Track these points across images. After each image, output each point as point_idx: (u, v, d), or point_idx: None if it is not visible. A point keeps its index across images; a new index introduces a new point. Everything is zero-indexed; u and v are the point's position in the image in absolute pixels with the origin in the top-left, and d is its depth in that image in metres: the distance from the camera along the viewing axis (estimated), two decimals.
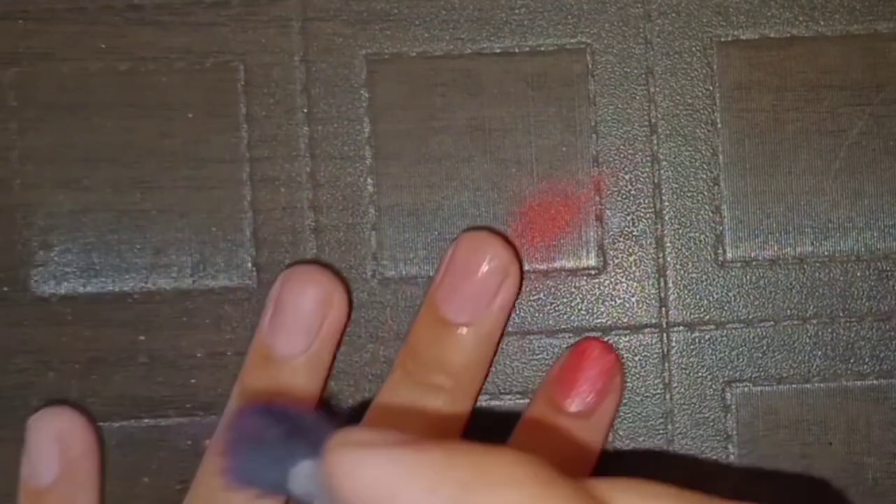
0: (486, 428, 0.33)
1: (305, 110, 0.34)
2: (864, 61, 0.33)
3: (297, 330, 0.31)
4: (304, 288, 0.32)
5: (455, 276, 0.31)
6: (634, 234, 0.34)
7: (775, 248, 0.34)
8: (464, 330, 0.31)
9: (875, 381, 0.33)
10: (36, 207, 0.34)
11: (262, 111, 0.34)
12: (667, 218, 0.34)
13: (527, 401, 0.33)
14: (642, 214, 0.34)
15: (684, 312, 0.34)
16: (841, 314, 0.33)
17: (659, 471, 0.34)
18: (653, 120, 0.34)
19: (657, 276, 0.34)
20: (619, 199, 0.34)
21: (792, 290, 0.33)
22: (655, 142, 0.34)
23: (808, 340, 0.34)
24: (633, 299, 0.34)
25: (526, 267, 0.33)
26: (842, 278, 0.34)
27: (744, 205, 0.33)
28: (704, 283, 0.34)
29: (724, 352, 0.34)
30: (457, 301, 0.31)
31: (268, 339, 0.32)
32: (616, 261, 0.34)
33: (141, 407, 0.34)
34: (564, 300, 0.34)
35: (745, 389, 0.34)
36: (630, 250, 0.34)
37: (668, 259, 0.34)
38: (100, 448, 0.33)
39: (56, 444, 0.32)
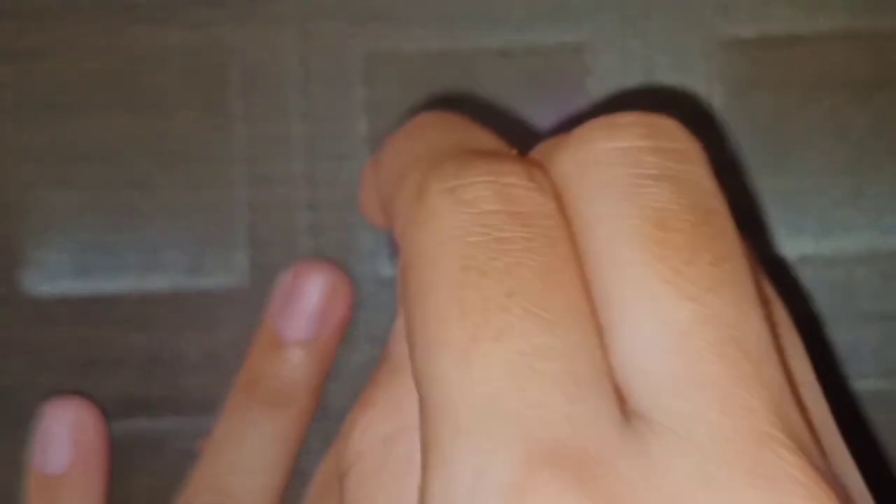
0: None
1: (302, 108, 0.33)
2: (867, 59, 0.33)
3: (309, 316, 0.32)
4: (315, 275, 0.32)
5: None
6: None
7: (776, 248, 0.33)
8: None
9: (877, 382, 0.33)
10: (30, 207, 0.34)
11: (259, 109, 0.33)
12: None
13: None
14: None
15: None
16: (842, 315, 0.33)
17: None
18: None
19: None
20: None
21: (793, 290, 0.33)
22: None
23: (808, 341, 0.33)
24: None
25: None
26: (844, 278, 0.33)
27: (744, 204, 0.33)
28: None
29: None
30: None
31: (278, 324, 0.32)
32: None
33: (136, 408, 0.33)
34: None
35: None
36: None
37: None
38: (109, 438, 0.33)
39: (71, 430, 0.32)
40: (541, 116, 0.33)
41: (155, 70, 0.34)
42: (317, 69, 0.33)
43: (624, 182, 0.16)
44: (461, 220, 0.16)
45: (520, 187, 0.16)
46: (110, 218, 0.33)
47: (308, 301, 0.32)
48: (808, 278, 0.33)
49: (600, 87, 0.33)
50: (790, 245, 0.33)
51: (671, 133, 0.18)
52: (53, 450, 0.32)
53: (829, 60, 0.33)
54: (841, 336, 0.33)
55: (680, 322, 0.15)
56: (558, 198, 0.17)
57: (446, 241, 0.16)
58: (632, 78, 0.33)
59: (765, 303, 0.16)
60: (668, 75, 0.33)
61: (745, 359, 0.15)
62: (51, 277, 0.34)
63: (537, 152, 0.19)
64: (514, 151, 0.19)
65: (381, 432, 0.17)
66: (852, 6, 0.33)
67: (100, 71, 0.34)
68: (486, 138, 0.20)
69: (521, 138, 0.21)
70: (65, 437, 0.32)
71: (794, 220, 0.33)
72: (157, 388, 0.34)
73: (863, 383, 0.33)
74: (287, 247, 0.33)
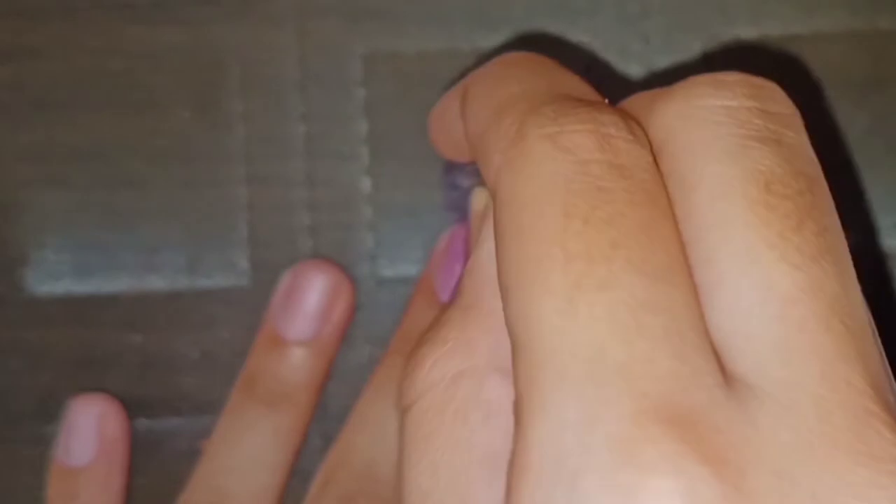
0: None
1: (301, 108, 0.33)
2: (866, 58, 0.33)
3: (309, 316, 0.32)
4: (316, 275, 0.32)
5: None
6: None
7: None
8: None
9: None
10: (28, 207, 0.33)
11: (258, 109, 0.33)
12: None
13: None
14: None
15: None
16: None
17: None
18: None
19: None
20: None
21: None
22: None
23: None
24: None
25: None
26: None
27: None
28: None
29: None
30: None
31: (279, 323, 0.32)
32: None
33: (135, 408, 0.33)
34: None
35: None
36: None
37: None
38: (130, 433, 0.33)
39: (96, 424, 0.33)
40: None
41: (152, 69, 0.33)
42: (315, 69, 0.33)
43: (730, 141, 0.16)
44: (562, 166, 0.16)
45: (620, 138, 0.16)
46: (108, 218, 0.33)
47: (308, 301, 0.32)
48: None
49: (600, 86, 0.33)
50: None
51: (776, 97, 0.17)
52: (79, 443, 0.32)
53: (828, 59, 0.33)
54: None
55: (785, 289, 0.15)
56: (655, 152, 0.16)
57: (547, 187, 0.15)
58: (631, 77, 0.33)
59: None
60: (667, 74, 0.33)
61: (846, 331, 0.15)
62: (49, 277, 0.34)
63: (628, 104, 0.18)
64: (607, 101, 0.19)
65: (450, 370, 0.17)
66: (852, 6, 0.33)
67: (97, 70, 0.33)
68: (577, 84, 0.19)
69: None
70: (90, 430, 0.33)
71: None
72: (155, 389, 0.33)
73: None
74: (287, 247, 0.33)
